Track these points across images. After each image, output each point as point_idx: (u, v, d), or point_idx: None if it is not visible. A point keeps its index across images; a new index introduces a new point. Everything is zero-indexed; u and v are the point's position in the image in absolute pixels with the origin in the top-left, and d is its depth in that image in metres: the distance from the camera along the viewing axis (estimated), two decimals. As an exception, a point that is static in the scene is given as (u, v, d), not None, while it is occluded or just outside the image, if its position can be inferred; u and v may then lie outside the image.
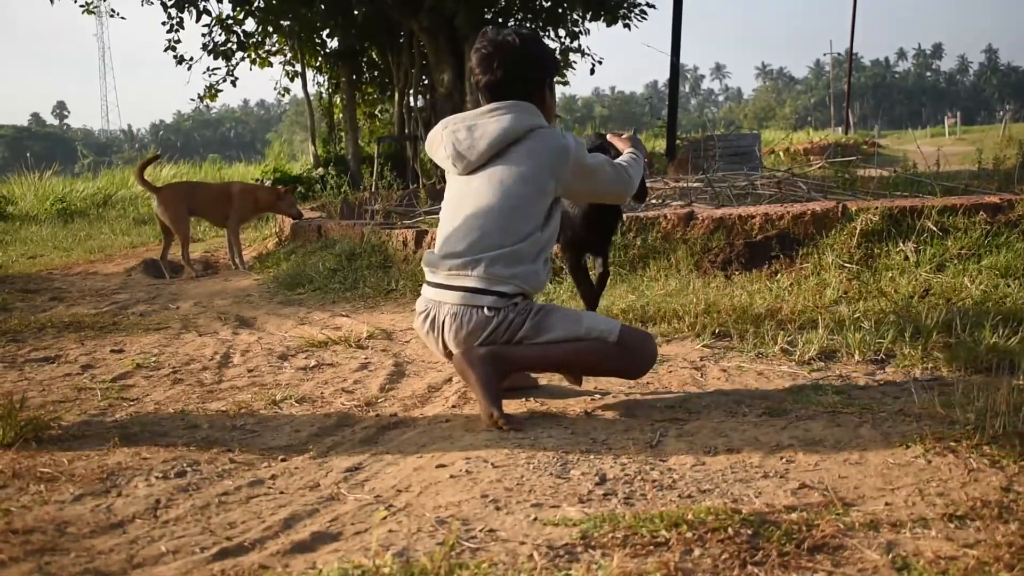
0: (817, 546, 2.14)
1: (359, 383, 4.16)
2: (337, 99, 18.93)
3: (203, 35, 17.15)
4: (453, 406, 3.65)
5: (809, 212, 6.10)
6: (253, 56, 17.62)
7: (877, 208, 5.95)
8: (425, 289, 3.57)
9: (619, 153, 3.91)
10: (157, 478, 2.88)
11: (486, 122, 3.51)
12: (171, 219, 8.71)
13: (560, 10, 16.92)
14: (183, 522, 2.50)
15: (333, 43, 17.82)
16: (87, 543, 2.36)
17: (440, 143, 3.59)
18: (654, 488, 2.61)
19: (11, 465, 2.98)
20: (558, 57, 3.72)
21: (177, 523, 2.50)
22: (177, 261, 9.03)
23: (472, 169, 3.52)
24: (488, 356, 3.37)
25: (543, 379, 4.03)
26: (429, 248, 3.60)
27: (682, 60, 14.59)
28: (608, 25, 16.71)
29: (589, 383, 3.91)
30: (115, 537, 2.40)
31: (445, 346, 3.51)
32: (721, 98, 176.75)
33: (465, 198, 3.50)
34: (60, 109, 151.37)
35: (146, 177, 9.32)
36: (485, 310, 3.37)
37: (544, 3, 16.90)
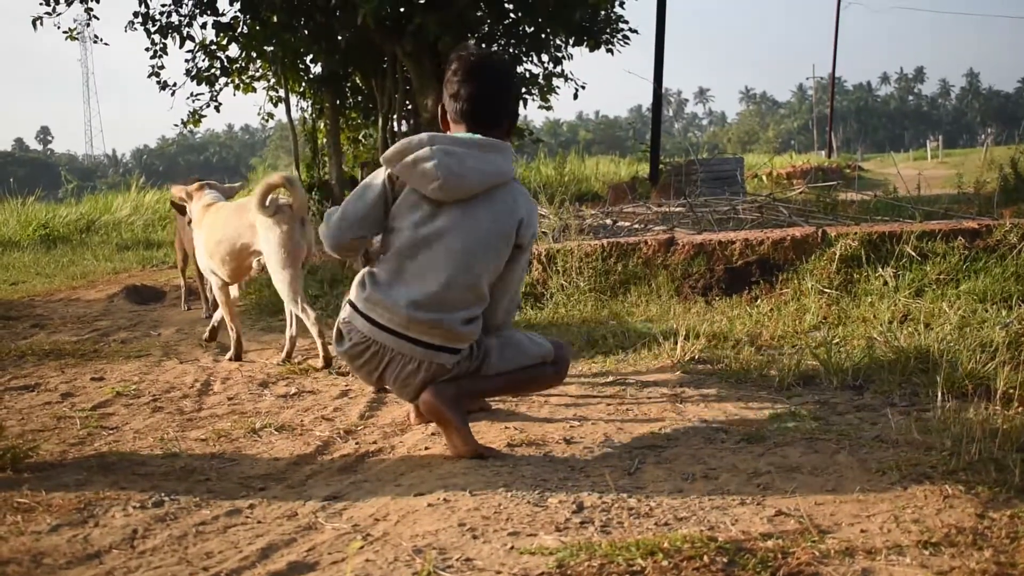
0: (792, 574, 2.15)
1: (339, 411, 4.16)
2: (321, 124, 18.93)
3: (187, 61, 17.16)
4: (432, 433, 3.64)
5: (789, 238, 6.13)
6: (237, 81, 17.62)
7: (856, 233, 5.99)
8: (361, 323, 3.36)
9: None
10: (135, 508, 2.87)
11: (479, 157, 3.33)
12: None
13: (543, 35, 16.96)
14: (160, 552, 2.50)
15: (317, 68, 17.84)
16: (63, 574, 2.36)
17: (427, 159, 3.27)
18: (631, 516, 2.62)
19: (-12, 495, 2.97)
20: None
21: (154, 553, 2.50)
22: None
23: (452, 200, 3.32)
24: (456, 397, 3.34)
25: (522, 404, 4.05)
26: (368, 274, 3.40)
27: (666, 84, 14.69)
28: (591, 50, 16.76)
29: (568, 411, 3.93)
30: (92, 568, 2.40)
31: (380, 379, 3.44)
32: (705, 122, 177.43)
33: (436, 237, 3.31)
34: (44, 134, 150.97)
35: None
36: (447, 366, 3.34)
37: (527, 28, 16.93)
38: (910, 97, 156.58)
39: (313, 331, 5.15)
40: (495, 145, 3.39)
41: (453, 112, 3.50)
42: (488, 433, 3.65)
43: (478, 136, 3.41)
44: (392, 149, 3.39)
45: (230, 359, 5.57)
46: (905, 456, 2.98)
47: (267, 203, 5.01)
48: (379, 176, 3.47)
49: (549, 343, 3.58)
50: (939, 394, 3.53)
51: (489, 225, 3.33)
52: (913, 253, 5.73)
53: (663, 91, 16.66)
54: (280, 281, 5.12)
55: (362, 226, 3.46)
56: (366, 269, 3.46)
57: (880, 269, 5.71)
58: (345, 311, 3.47)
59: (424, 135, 3.37)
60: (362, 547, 2.45)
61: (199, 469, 3.32)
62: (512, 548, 2.38)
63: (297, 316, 5.32)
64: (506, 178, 3.39)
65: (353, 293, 3.44)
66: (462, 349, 3.36)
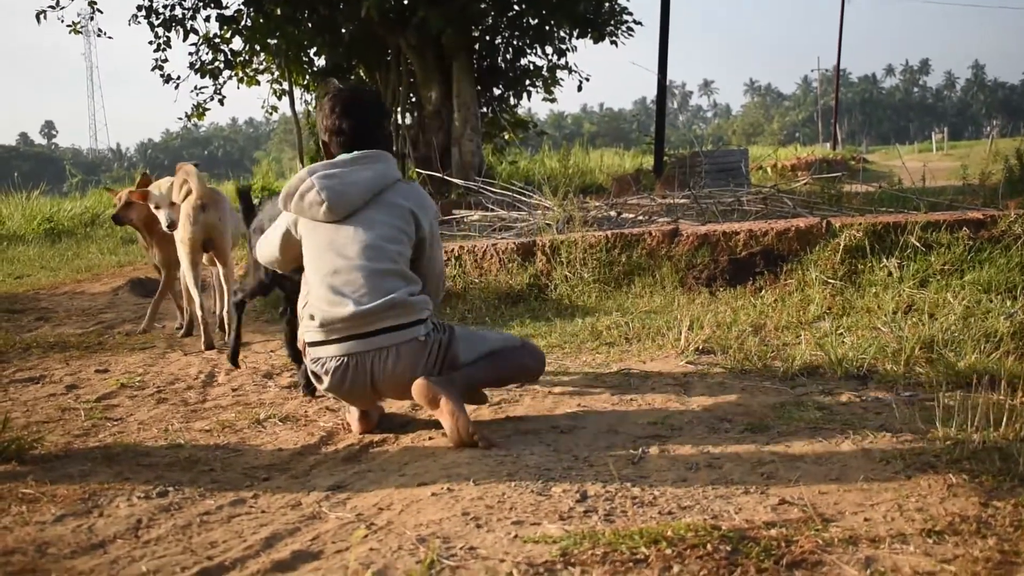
0: (796, 562, 2.15)
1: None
2: (325, 117, 18.93)
3: (190, 54, 17.20)
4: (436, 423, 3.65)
5: (793, 228, 6.12)
6: (240, 74, 17.65)
7: (861, 224, 5.97)
8: (328, 349, 3.45)
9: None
10: (139, 498, 2.88)
11: (357, 170, 3.58)
12: None
13: (547, 27, 16.96)
14: (164, 542, 2.51)
15: (320, 61, 17.86)
16: (68, 564, 2.37)
17: (310, 189, 3.53)
18: (635, 505, 2.62)
19: (-7, 486, 2.98)
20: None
21: (158, 543, 2.50)
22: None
23: (343, 216, 3.53)
24: (448, 380, 3.42)
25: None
26: (310, 307, 3.53)
27: (670, 76, 14.67)
28: (595, 42, 16.77)
29: (572, 400, 3.93)
30: (96, 558, 2.40)
31: (373, 390, 3.48)
32: (710, 114, 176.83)
33: (344, 247, 3.48)
34: (48, 128, 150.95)
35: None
36: (420, 338, 3.43)
37: (531, 20, 16.94)
38: (915, 89, 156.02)
39: (197, 313, 5.93)
40: (372, 155, 3.64)
41: (336, 146, 3.72)
42: (492, 423, 3.65)
43: (355, 152, 3.64)
44: (282, 193, 3.65)
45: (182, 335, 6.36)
46: (909, 445, 2.98)
47: (177, 192, 5.88)
48: (282, 224, 3.73)
49: (511, 336, 3.81)
50: (943, 384, 3.53)
51: (386, 221, 3.53)
52: (918, 244, 5.71)
53: (667, 83, 16.64)
54: (180, 257, 5.92)
55: (277, 263, 3.86)
56: (306, 307, 3.59)
57: (885, 260, 5.70)
58: (308, 356, 3.57)
59: (304, 170, 3.65)
60: (366, 536, 2.46)
61: (203, 459, 3.33)
62: (516, 537, 2.38)
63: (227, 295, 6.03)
64: (388, 180, 3.62)
65: (305, 335, 3.56)
66: (426, 319, 3.47)
